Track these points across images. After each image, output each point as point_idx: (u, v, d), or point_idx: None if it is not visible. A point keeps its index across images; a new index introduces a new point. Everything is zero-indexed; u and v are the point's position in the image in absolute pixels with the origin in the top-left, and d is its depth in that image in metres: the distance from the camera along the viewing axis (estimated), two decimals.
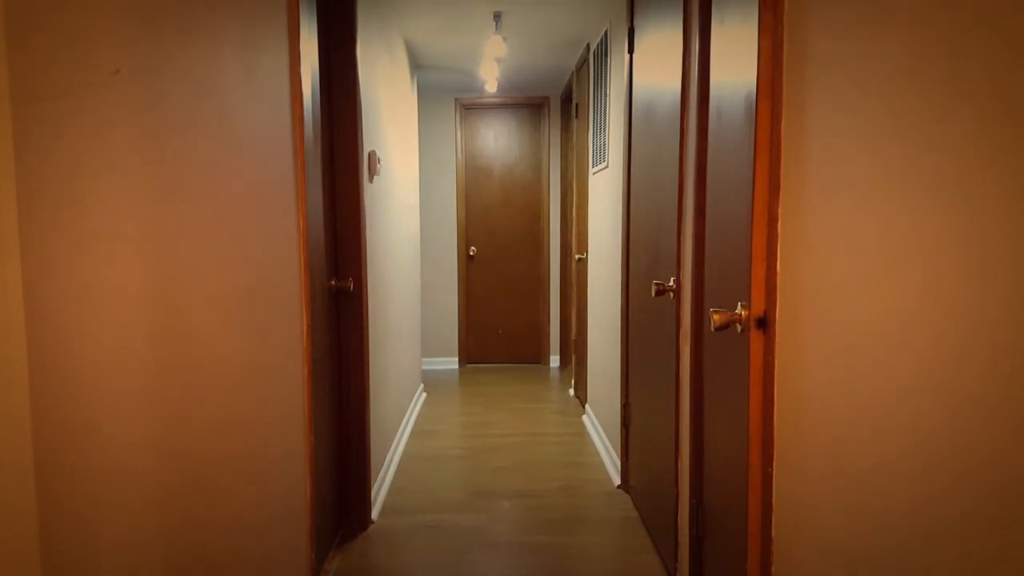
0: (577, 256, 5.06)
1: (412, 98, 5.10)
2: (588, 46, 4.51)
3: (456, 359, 6.56)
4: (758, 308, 1.57)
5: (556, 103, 6.35)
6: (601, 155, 4.10)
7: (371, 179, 3.25)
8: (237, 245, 1.59)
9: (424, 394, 5.42)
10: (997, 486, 0.87)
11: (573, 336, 5.46)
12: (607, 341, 3.95)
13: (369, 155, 3.21)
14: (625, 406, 3.39)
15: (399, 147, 4.29)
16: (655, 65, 2.78)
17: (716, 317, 1.66)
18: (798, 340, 1.42)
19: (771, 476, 1.52)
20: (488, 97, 6.34)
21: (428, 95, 6.26)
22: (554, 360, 6.56)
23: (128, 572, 1.13)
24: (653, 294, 2.54)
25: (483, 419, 4.84)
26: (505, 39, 4.40)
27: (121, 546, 1.11)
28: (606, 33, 3.90)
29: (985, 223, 0.90)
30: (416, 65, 5.26)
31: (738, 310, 1.63)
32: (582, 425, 4.62)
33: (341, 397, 2.93)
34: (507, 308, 6.61)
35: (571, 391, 5.49)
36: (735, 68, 1.80)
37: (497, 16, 4.08)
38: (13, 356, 0.87)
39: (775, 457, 1.51)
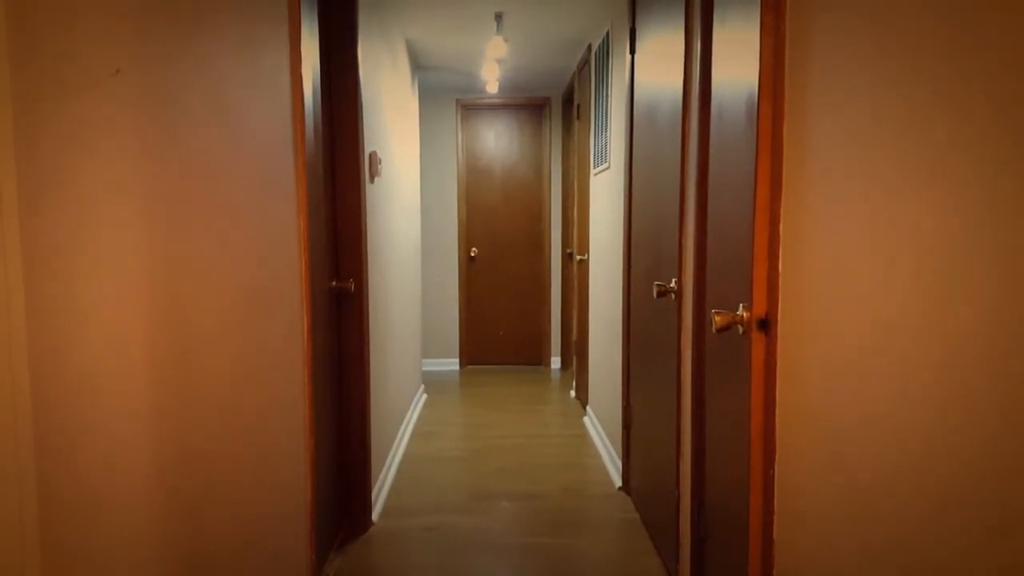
0: (578, 257, 5.06)
1: (413, 98, 5.09)
2: (589, 47, 4.51)
3: (457, 360, 6.56)
4: (760, 309, 1.56)
5: (557, 104, 6.34)
6: (602, 156, 4.09)
7: (372, 180, 3.24)
8: (238, 246, 1.59)
9: (425, 395, 5.41)
10: (1003, 495, 0.87)
11: (574, 338, 5.45)
12: (608, 342, 3.94)
13: (370, 156, 3.20)
14: (626, 408, 3.39)
15: (400, 148, 4.28)
16: (657, 66, 2.78)
17: (718, 318, 1.65)
18: (800, 342, 1.42)
19: (772, 478, 1.51)
20: (489, 97, 6.33)
21: (429, 95, 6.25)
22: (555, 362, 6.55)
23: (128, 572, 1.12)
24: (654, 295, 2.54)
25: (484, 421, 4.83)
26: (506, 40, 4.40)
27: (121, 547, 1.10)
28: (607, 34, 3.90)
29: (997, 225, 0.89)
30: (417, 66, 5.26)
31: (740, 311, 1.62)
32: (583, 427, 4.61)
33: (342, 398, 2.93)
34: (508, 309, 6.60)
35: (572, 393, 5.48)
36: (737, 68, 1.80)
37: (498, 17, 4.07)
38: (14, 357, 0.86)
39: (777, 459, 1.51)
